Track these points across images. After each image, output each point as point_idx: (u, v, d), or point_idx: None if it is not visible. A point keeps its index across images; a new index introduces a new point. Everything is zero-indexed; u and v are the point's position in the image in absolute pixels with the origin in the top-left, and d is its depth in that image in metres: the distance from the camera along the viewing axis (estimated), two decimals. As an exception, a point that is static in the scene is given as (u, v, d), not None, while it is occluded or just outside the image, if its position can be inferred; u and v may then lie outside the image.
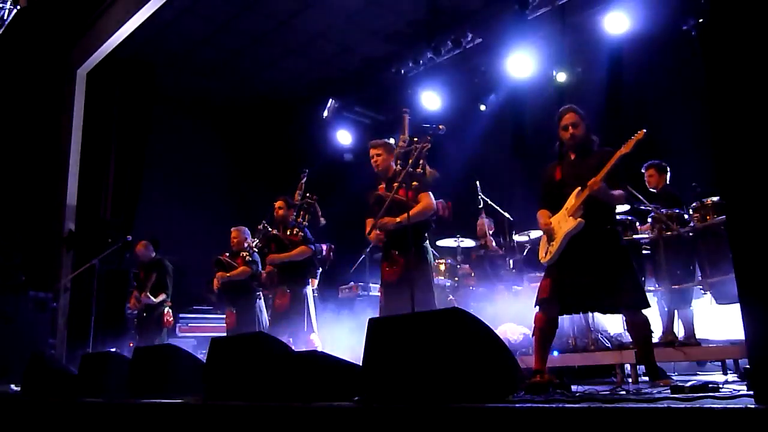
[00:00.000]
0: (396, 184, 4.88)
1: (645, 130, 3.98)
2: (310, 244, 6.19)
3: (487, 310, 6.33)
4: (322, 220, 6.33)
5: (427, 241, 5.09)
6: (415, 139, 4.93)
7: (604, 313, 4.53)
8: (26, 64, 9.70)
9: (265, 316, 7.14)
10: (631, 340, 5.71)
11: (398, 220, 4.83)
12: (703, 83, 2.39)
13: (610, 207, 4.23)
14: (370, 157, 5.26)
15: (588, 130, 4.30)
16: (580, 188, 4.07)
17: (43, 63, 9.71)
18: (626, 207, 6.14)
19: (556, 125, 4.36)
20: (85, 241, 9.03)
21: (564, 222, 4.11)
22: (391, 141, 5.40)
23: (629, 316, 4.12)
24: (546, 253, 4.20)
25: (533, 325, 4.25)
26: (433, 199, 4.98)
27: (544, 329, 4.17)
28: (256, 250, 7.06)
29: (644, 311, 4.04)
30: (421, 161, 4.93)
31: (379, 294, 8.14)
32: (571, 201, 4.11)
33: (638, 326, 4.08)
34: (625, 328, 5.26)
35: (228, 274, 7.00)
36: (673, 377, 4.66)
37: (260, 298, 7.17)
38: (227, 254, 7.26)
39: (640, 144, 3.98)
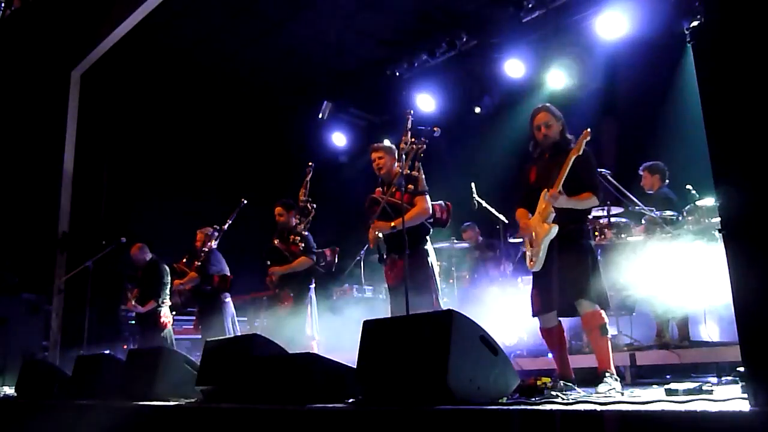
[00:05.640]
0: (394, 188, 4.80)
1: (589, 129, 3.99)
2: (310, 254, 6.10)
3: (482, 311, 6.31)
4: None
5: (428, 243, 5.03)
6: (412, 140, 4.90)
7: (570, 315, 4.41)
8: (21, 66, 9.67)
9: (228, 323, 7.10)
10: (627, 341, 5.74)
11: (392, 224, 4.76)
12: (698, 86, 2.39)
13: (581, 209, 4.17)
14: (372, 160, 5.18)
15: (563, 129, 4.22)
16: (546, 191, 4.02)
17: (37, 65, 9.67)
18: (620, 209, 6.14)
19: (529, 125, 4.29)
20: (79, 243, 8.99)
21: (539, 227, 4.04)
22: (386, 142, 5.36)
23: (580, 309, 3.92)
24: (531, 261, 4.12)
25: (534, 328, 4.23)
26: (429, 202, 4.90)
27: (548, 337, 4.19)
28: (208, 250, 7.13)
29: (602, 311, 3.90)
30: (416, 163, 4.91)
31: (372, 296, 8.13)
32: (542, 204, 4.06)
33: (585, 320, 3.91)
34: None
35: (180, 282, 7.18)
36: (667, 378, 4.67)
37: (224, 303, 7.13)
38: (184, 260, 7.35)
39: (588, 143, 3.99)
